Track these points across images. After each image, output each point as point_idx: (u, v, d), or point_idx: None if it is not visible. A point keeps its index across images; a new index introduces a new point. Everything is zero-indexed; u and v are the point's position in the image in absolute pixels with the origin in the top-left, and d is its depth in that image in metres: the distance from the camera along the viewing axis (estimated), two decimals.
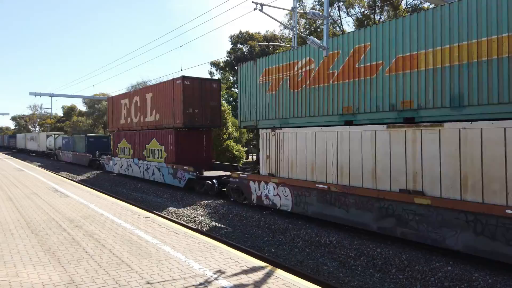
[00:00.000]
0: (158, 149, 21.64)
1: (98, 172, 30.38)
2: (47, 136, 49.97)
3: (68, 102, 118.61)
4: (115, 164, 27.33)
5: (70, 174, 30.54)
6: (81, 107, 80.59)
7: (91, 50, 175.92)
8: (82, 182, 24.12)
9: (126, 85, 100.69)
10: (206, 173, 18.52)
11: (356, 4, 29.71)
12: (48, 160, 46.58)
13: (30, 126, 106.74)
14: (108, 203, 12.80)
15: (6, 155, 50.70)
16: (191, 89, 19.77)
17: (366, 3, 29.56)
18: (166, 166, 20.52)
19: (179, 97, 19.64)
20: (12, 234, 8.64)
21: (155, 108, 21.93)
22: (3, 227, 9.28)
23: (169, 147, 20.48)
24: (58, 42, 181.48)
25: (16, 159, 42.08)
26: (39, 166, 35.57)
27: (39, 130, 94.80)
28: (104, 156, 30.00)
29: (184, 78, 19.57)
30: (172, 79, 20.57)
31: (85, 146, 34.48)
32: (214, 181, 17.54)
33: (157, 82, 27.36)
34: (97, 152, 32.48)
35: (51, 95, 42.44)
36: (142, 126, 23.58)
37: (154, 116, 22.01)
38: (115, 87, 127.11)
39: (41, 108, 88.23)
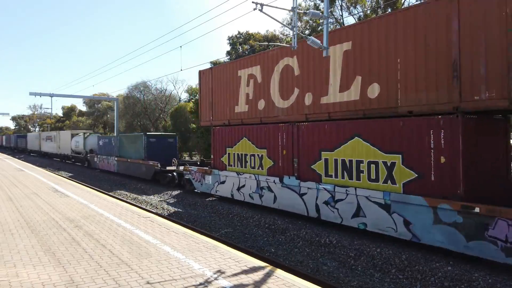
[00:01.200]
0: (376, 162, 10.15)
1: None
2: (72, 136, 38.49)
3: (68, 102, 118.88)
4: (222, 182, 15.90)
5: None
6: (81, 107, 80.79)
7: (91, 50, 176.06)
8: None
9: (126, 85, 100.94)
10: None
11: (358, 4, 29.75)
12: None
13: (30, 126, 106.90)
14: (108, 203, 12.80)
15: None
16: None
17: (368, 3, 29.61)
18: (430, 205, 8.89)
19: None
20: (12, 234, 8.64)
21: (365, 72, 10.52)
22: (3, 227, 9.28)
23: (430, 158, 9.09)
24: (58, 42, 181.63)
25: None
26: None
27: (39, 130, 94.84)
28: (193, 168, 18.20)
29: None
30: None
31: (144, 149, 23.63)
32: None
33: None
34: (175, 160, 21.94)
35: (51, 95, 42.32)
36: (309, 113, 12.16)
37: (360, 90, 10.62)
38: (115, 87, 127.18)
39: (41, 108, 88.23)
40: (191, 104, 36.54)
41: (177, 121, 41.06)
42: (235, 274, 6.34)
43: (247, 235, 11.98)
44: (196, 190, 18.17)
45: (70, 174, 29.58)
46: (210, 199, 17.21)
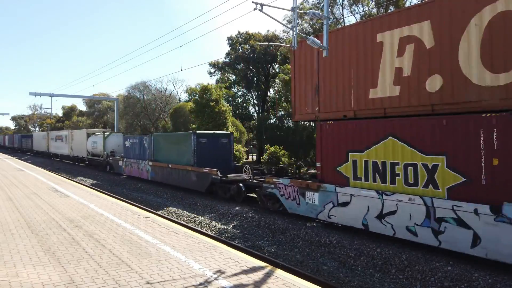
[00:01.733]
0: None
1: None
2: (88, 135, 33.45)
3: (68, 102, 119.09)
4: (342, 204, 10.85)
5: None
6: (81, 107, 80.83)
7: (91, 50, 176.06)
8: None
9: (126, 85, 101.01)
10: None
11: (360, 3, 29.79)
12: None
13: (30, 126, 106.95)
14: (108, 203, 12.80)
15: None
16: None
17: (370, 3, 29.65)
18: None
19: None
20: (12, 234, 8.64)
21: None
22: (3, 227, 9.28)
23: None
24: (58, 42, 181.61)
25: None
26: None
27: (39, 130, 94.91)
28: (282, 180, 13.07)
29: None
30: None
31: (193, 152, 18.41)
32: None
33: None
34: (247, 168, 16.93)
35: (51, 95, 42.37)
36: None
37: None
38: (115, 87, 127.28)
39: (41, 108, 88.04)
40: (191, 104, 36.56)
41: (177, 121, 41.07)
42: (235, 274, 6.34)
43: (247, 235, 11.98)
44: (295, 212, 12.49)
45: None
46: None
